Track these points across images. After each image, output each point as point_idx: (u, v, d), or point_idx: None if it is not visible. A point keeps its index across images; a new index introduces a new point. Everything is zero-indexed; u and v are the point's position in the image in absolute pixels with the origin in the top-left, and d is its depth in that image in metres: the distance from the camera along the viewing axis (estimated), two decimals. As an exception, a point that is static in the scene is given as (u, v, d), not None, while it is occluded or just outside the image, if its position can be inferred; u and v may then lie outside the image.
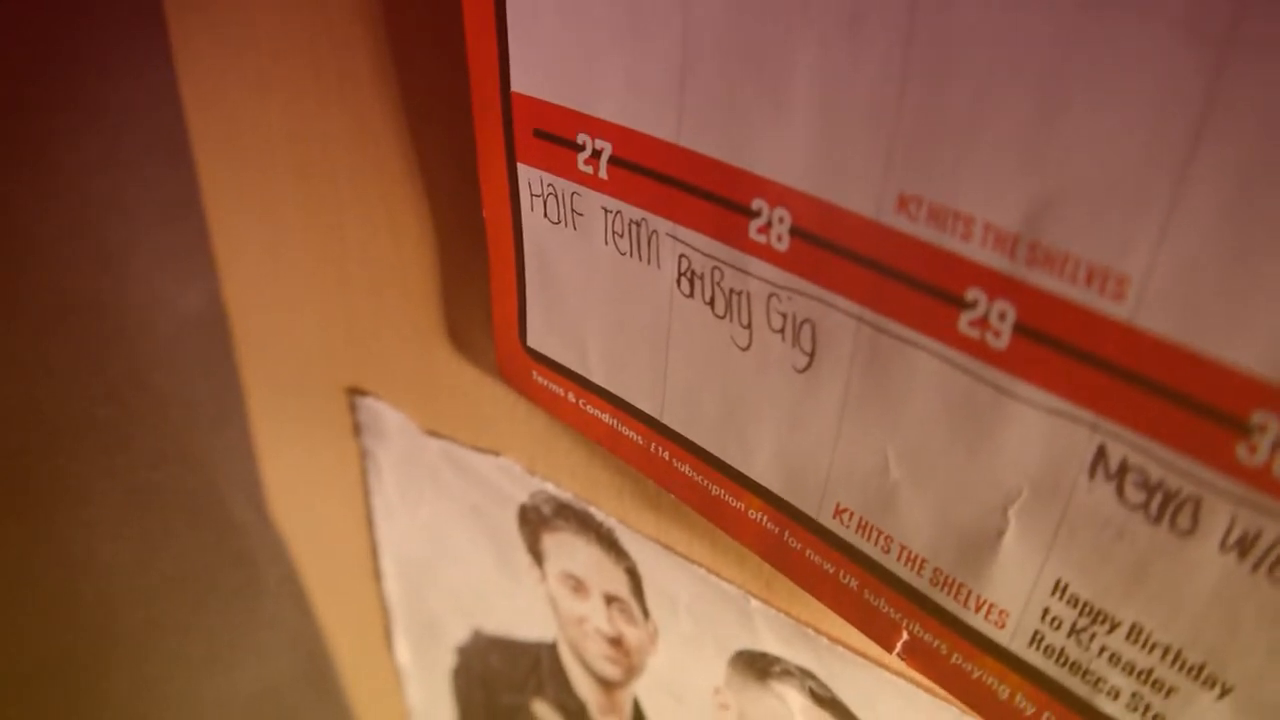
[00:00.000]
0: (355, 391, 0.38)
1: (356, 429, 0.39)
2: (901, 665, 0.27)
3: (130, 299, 0.38)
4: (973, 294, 0.19)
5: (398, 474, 0.39)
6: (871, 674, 0.28)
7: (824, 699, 0.30)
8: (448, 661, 0.45)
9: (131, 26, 0.34)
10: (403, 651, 0.47)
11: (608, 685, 0.37)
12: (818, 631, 0.28)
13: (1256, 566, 0.17)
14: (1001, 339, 0.19)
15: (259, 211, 0.36)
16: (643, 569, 0.32)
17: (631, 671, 0.36)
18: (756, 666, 0.31)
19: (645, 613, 0.33)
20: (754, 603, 0.29)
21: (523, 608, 0.38)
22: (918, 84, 0.18)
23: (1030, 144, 0.17)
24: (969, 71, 0.17)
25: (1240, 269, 0.15)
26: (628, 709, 0.37)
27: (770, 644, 0.30)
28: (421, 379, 0.35)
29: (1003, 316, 0.18)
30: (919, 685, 0.27)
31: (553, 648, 0.38)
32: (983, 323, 0.19)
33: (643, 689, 0.36)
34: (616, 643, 0.35)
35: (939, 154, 0.18)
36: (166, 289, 0.39)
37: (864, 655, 0.28)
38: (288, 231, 0.36)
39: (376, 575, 0.44)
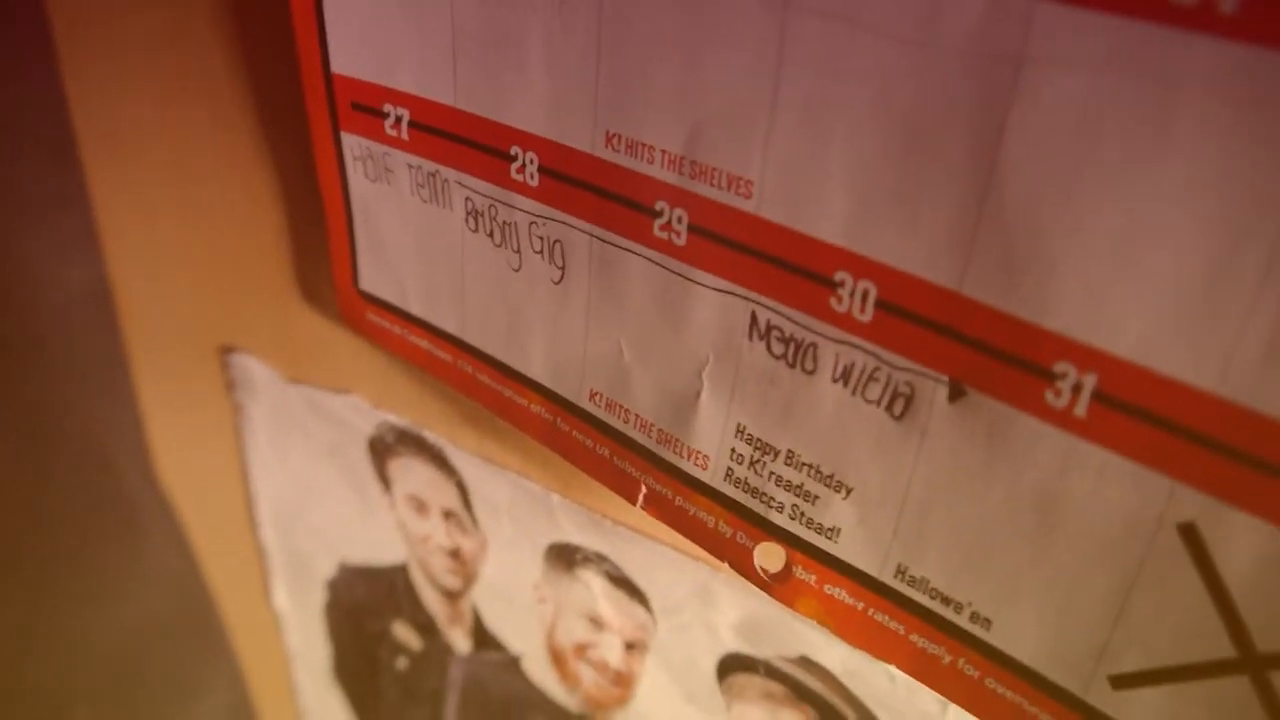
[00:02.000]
0: (226, 349, 0.43)
1: (230, 385, 0.44)
2: (668, 533, 0.33)
3: (22, 277, 0.43)
4: (660, 205, 0.25)
5: (268, 424, 0.44)
6: (646, 547, 0.34)
7: (617, 578, 0.36)
8: (320, 599, 0.50)
9: (17, 30, 0.39)
10: (280, 596, 0.52)
11: (451, 596, 0.43)
12: (604, 516, 0.34)
13: (855, 391, 0.23)
14: (681, 238, 0.25)
15: (138, 195, 0.41)
16: (469, 481, 0.38)
17: (469, 580, 0.41)
18: (564, 558, 0.37)
19: (475, 522, 0.39)
20: (555, 498, 0.35)
21: (378, 535, 0.43)
22: (608, 50, 0.24)
23: (681, 89, 0.23)
24: (639, 39, 0.23)
25: (818, 169, 0.22)
26: (469, 616, 0.43)
27: (572, 534, 0.36)
28: (284, 332, 0.41)
29: (680, 220, 0.25)
30: (680, 549, 0.33)
31: (404, 569, 0.44)
32: (668, 227, 0.25)
33: (479, 596, 0.41)
34: (455, 554, 0.41)
35: (627, 100, 0.24)
36: (56, 269, 0.44)
37: (639, 531, 0.34)
38: (162, 212, 0.41)
39: (253, 523, 0.49)
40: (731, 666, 0.35)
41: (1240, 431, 0.18)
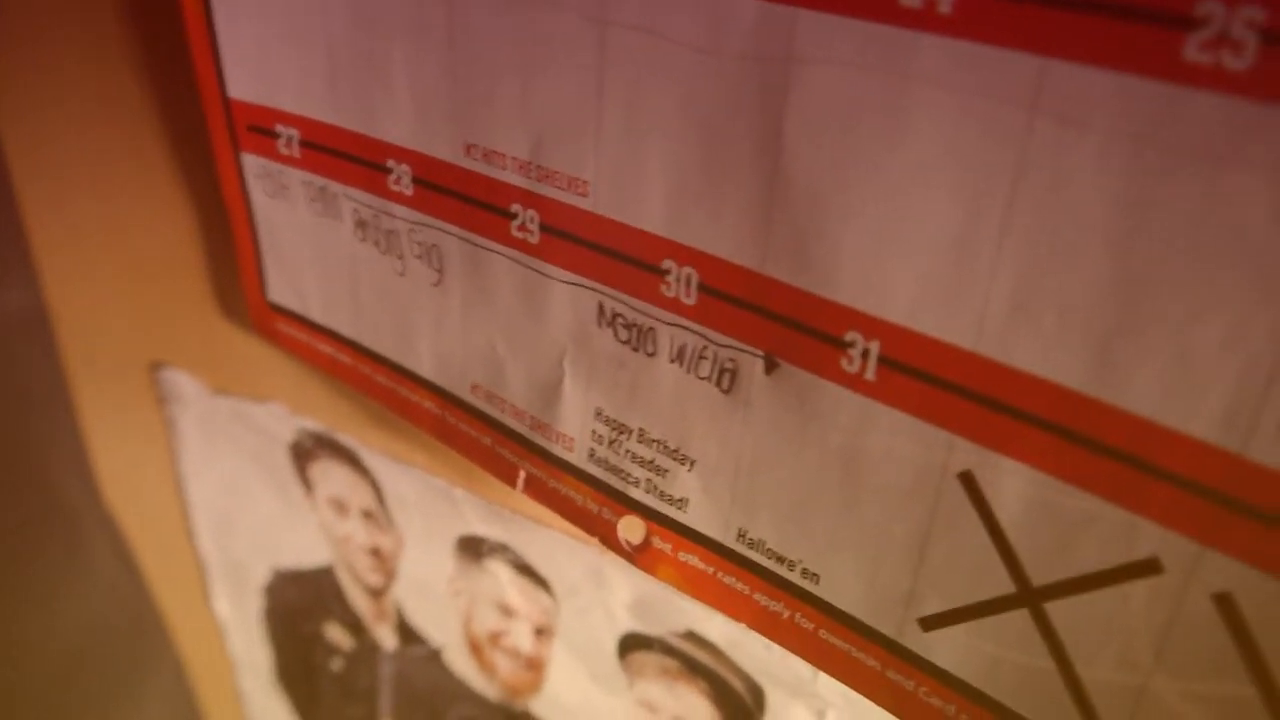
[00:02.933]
0: (157, 365, 0.45)
1: (161, 399, 0.46)
2: (561, 519, 0.34)
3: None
4: (514, 207, 0.27)
5: (198, 435, 0.46)
6: (542, 534, 0.36)
7: (520, 567, 0.38)
8: (257, 605, 0.51)
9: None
10: (221, 603, 0.53)
11: (375, 594, 0.44)
12: (502, 506, 0.36)
13: (689, 370, 0.25)
14: (535, 236, 0.27)
15: (68, 218, 0.43)
16: (381, 481, 0.40)
17: (390, 577, 0.43)
18: (472, 550, 0.39)
19: (391, 520, 0.41)
20: (458, 491, 0.37)
21: (305, 538, 0.45)
22: (460, 68, 0.26)
23: (524, 101, 0.25)
24: (484, 57, 0.25)
25: (640, 168, 0.24)
26: (393, 613, 0.44)
27: (476, 526, 0.38)
28: (208, 346, 0.42)
29: (533, 220, 0.27)
30: (571, 534, 0.35)
31: (331, 570, 0.46)
32: (523, 227, 0.27)
33: (401, 592, 0.43)
34: (376, 553, 0.43)
35: (480, 113, 0.26)
36: (-4, 295, 0.45)
37: (535, 519, 0.36)
38: (92, 233, 0.43)
39: (191, 533, 0.51)
40: (630, 645, 0.37)
41: (997, 384, 0.20)
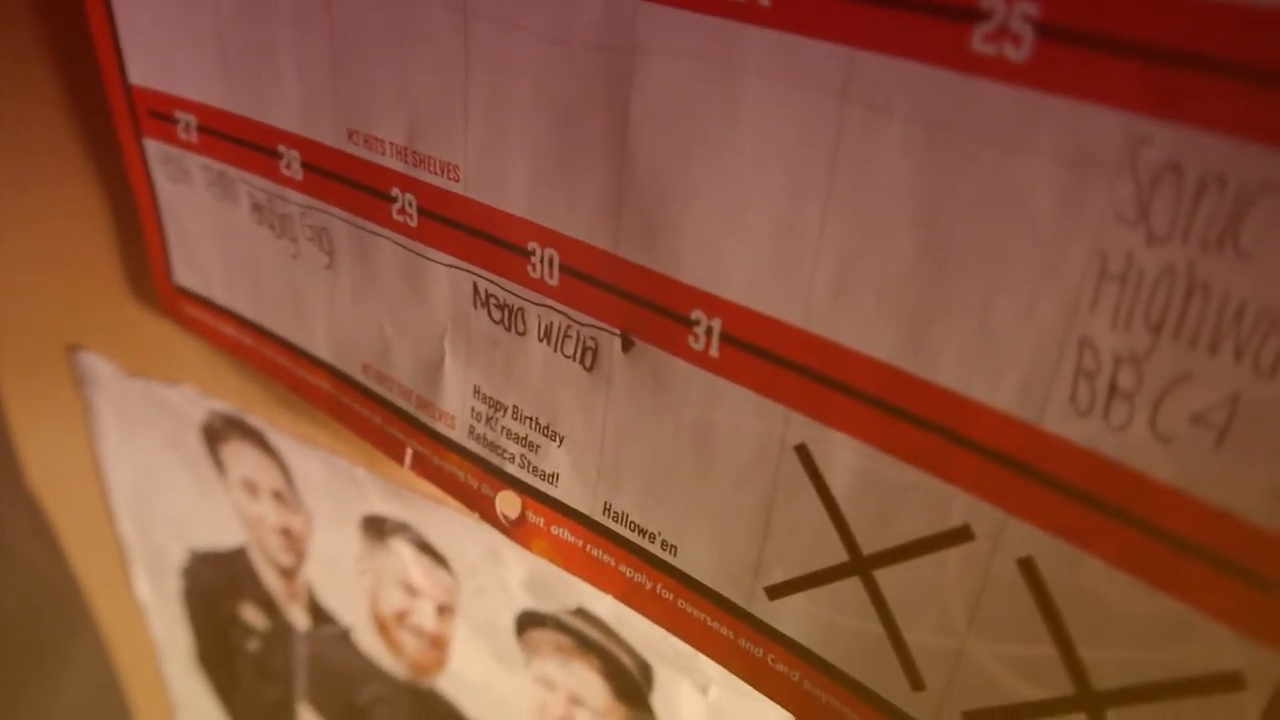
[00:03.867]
0: (74, 348, 0.45)
1: (78, 382, 0.46)
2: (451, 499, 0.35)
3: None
4: (394, 191, 0.27)
5: (115, 418, 0.46)
6: (440, 513, 0.36)
7: (422, 546, 0.38)
8: (176, 586, 0.51)
9: None
10: (142, 586, 0.53)
11: (287, 574, 0.45)
12: (402, 485, 0.37)
13: (556, 348, 0.26)
14: (414, 220, 0.27)
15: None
16: (289, 462, 0.40)
17: (301, 557, 0.43)
18: (376, 529, 0.39)
19: (299, 501, 0.41)
20: (360, 471, 0.38)
21: (219, 519, 0.45)
22: (340, 57, 0.27)
23: (399, 88, 0.26)
24: (361, 47, 0.26)
25: (504, 153, 0.24)
26: (305, 593, 0.45)
27: (379, 506, 0.38)
28: (123, 328, 0.42)
29: (411, 204, 0.27)
30: (465, 512, 0.35)
31: (244, 551, 0.46)
32: (403, 211, 0.27)
33: (312, 572, 0.43)
34: (286, 533, 0.43)
35: (360, 100, 0.27)
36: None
37: (433, 498, 0.36)
38: (8, 219, 0.43)
39: (110, 515, 0.51)
40: (526, 623, 0.37)
41: (825, 360, 0.21)
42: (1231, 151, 0.15)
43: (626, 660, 0.35)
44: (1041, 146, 0.17)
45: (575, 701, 0.38)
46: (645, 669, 0.35)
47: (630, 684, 0.36)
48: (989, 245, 0.18)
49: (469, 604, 0.38)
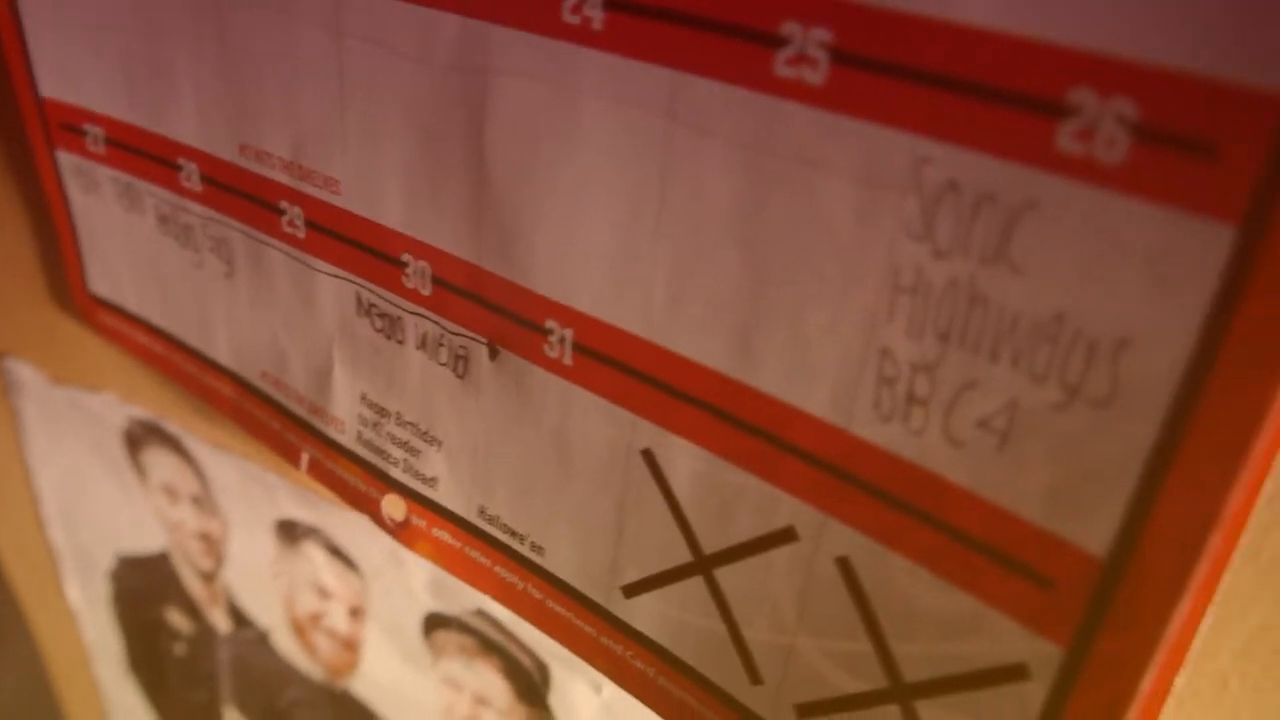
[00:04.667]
0: (0, 355, 0.45)
1: (6, 388, 0.46)
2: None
3: None
4: (283, 204, 0.28)
5: (41, 424, 0.46)
6: (346, 517, 0.36)
7: (332, 549, 0.38)
8: (105, 591, 0.51)
9: None
10: (73, 590, 0.53)
11: (207, 578, 0.45)
12: (309, 490, 0.37)
13: (431, 356, 0.26)
14: (301, 232, 0.28)
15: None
16: (205, 467, 0.40)
17: (219, 560, 0.43)
18: (288, 533, 0.39)
19: (216, 506, 0.41)
20: (272, 476, 0.38)
21: (142, 525, 0.45)
22: (231, 74, 0.27)
23: (284, 105, 0.26)
24: (250, 65, 0.26)
25: (379, 168, 0.25)
26: (224, 597, 0.45)
27: (290, 510, 0.38)
28: (48, 336, 0.43)
29: (299, 216, 0.28)
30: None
31: (167, 556, 0.46)
32: (291, 223, 0.28)
33: (231, 576, 0.44)
34: (205, 537, 0.43)
35: (250, 116, 0.27)
36: None
37: (338, 502, 0.36)
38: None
39: (40, 522, 0.51)
40: (432, 624, 0.38)
41: (665, 368, 0.21)
42: (998, 171, 0.16)
43: (525, 660, 0.36)
44: (840, 166, 0.17)
45: (480, 701, 0.38)
46: (543, 669, 0.35)
47: (530, 684, 0.36)
48: (800, 260, 0.18)
49: (378, 606, 0.39)
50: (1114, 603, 0.16)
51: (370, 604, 0.39)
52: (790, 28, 0.17)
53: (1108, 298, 0.15)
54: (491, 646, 0.36)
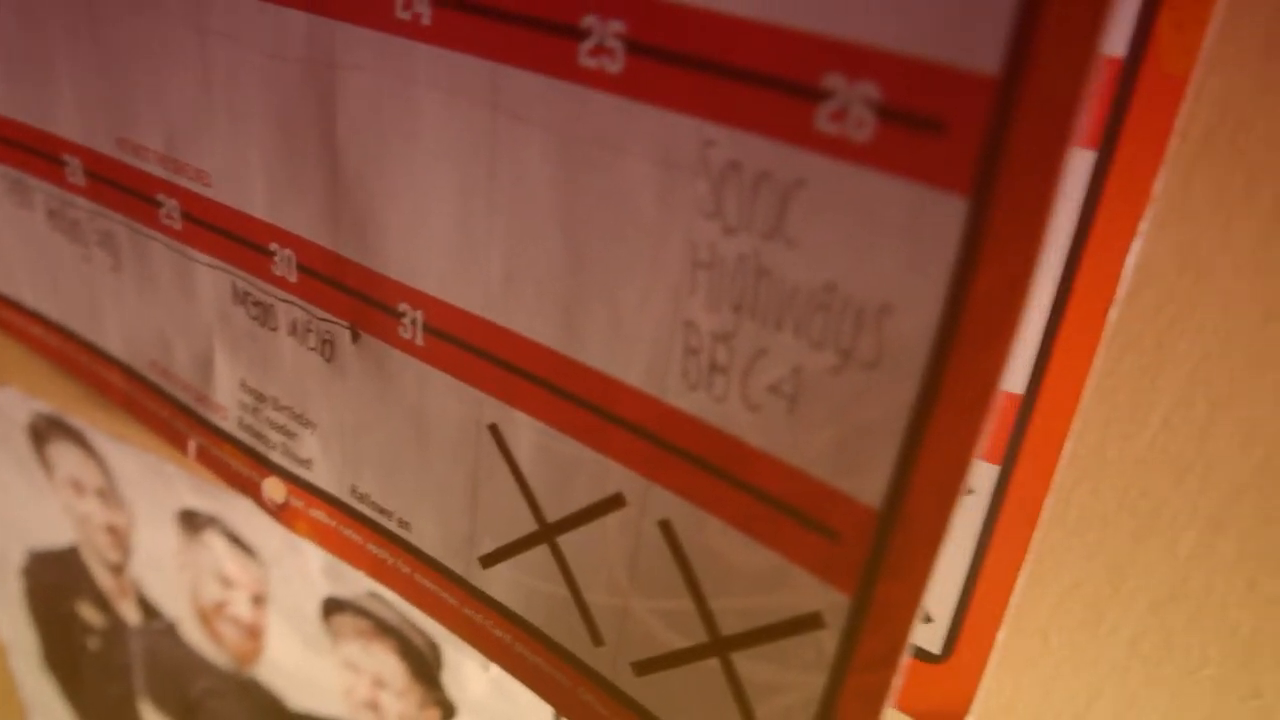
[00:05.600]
0: (-92, 354, 0.45)
1: (-85, 387, 0.46)
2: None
3: None
4: (160, 196, 0.28)
5: (-48, 421, 0.46)
6: (241, 505, 0.37)
7: (232, 538, 0.39)
8: (18, 587, 0.51)
9: None
10: (-11, 587, 0.53)
11: (116, 570, 0.45)
12: (205, 478, 0.37)
13: (301, 341, 0.27)
14: (178, 223, 0.28)
15: None
16: (108, 460, 0.41)
17: (127, 553, 0.44)
18: (190, 524, 0.40)
19: (120, 498, 0.42)
20: (170, 467, 0.38)
21: (51, 519, 0.45)
22: (107, 70, 0.28)
23: (156, 101, 0.27)
24: (124, 61, 0.27)
25: (246, 160, 0.25)
26: (133, 589, 0.45)
27: (190, 500, 0.39)
28: (-48, 337, 0.43)
29: (175, 208, 0.28)
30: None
31: (76, 549, 0.46)
32: (169, 215, 0.28)
33: (138, 568, 0.44)
34: (112, 530, 0.43)
35: (126, 111, 0.28)
36: None
37: (237, 491, 0.37)
38: None
39: (-45, 517, 0.51)
40: (330, 609, 0.38)
41: (505, 347, 0.22)
42: (771, 151, 0.17)
43: (418, 641, 0.36)
44: (640, 149, 0.18)
45: (379, 683, 0.39)
46: (434, 649, 0.36)
47: (424, 664, 0.37)
48: (611, 239, 0.19)
49: (278, 593, 0.39)
50: (888, 551, 0.17)
51: (271, 591, 0.39)
52: (590, 20, 0.18)
53: (870, 267, 0.16)
54: (386, 629, 0.37)
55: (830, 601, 0.19)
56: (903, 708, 0.26)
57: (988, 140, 0.14)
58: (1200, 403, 0.21)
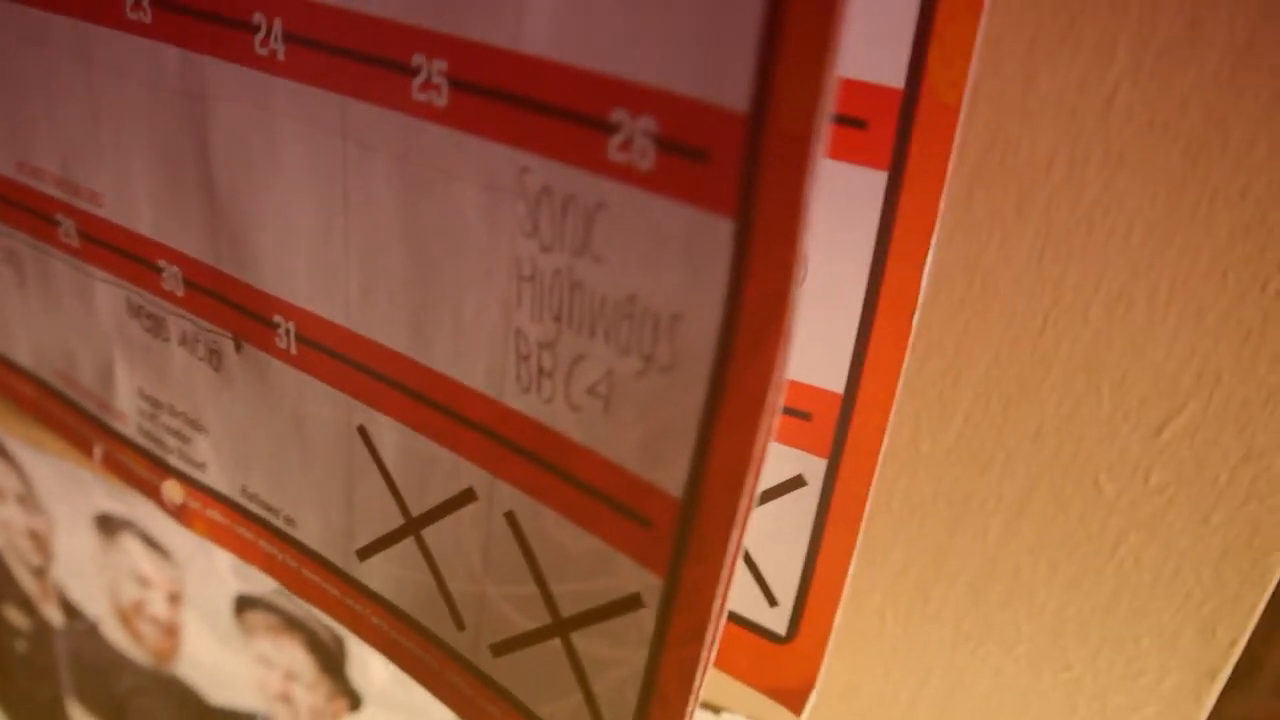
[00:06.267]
0: None
1: None
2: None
3: None
4: (58, 216, 0.29)
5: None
6: (150, 506, 0.38)
7: (147, 539, 0.40)
8: (-50, 591, 0.52)
9: None
10: (-79, 592, 0.53)
11: (39, 574, 0.46)
12: (117, 482, 0.38)
13: (191, 351, 0.28)
14: (75, 241, 0.29)
15: None
16: (25, 467, 0.41)
17: (49, 556, 0.45)
18: (106, 527, 0.41)
19: (39, 503, 0.43)
20: (84, 472, 0.39)
21: (-23, 524, 0.46)
22: (8, 95, 0.29)
23: (51, 127, 0.28)
24: (19, 86, 0.28)
25: (130, 183, 0.27)
26: (55, 591, 0.46)
27: (105, 504, 0.40)
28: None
29: (72, 227, 0.29)
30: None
31: (0, 554, 0.47)
32: (67, 233, 0.30)
33: (60, 571, 0.45)
34: (34, 535, 0.44)
35: (27, 135, 0.29)
36: None
37: (140, 494, 0.38)
38: None
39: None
40: (241, 606, 0.39)
41: (366, 354, 0.24)
42: (575, 177, 0.18)
43: (324, 634, 0.38)
44: (468, 175, 0.20)
45: (290, 677, 0.40)
46: (339, 642, 0.37)
47: (329, 656, 0.38)
48: (450, 256, 0.21)
49: (193, 591, 0.40)
50: (691, 537, 0.19)
51: (186, 590, 0.41)
52: (419, 59, 0.19)
53: (662, 280, 0.18)
54: (294, 623, 0.38)
55: (647, 584, 0.20)
56: (754, 685, 0.28)
57: (744, 168, 0.16)
58: (995, 400, 0.23)
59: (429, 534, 0.25)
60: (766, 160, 0.16)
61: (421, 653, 0.26)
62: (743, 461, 0.18)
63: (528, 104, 0.18)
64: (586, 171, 0.18)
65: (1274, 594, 0.23)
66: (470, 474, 0.23)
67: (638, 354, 0.19)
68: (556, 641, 0.23)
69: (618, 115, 0.17)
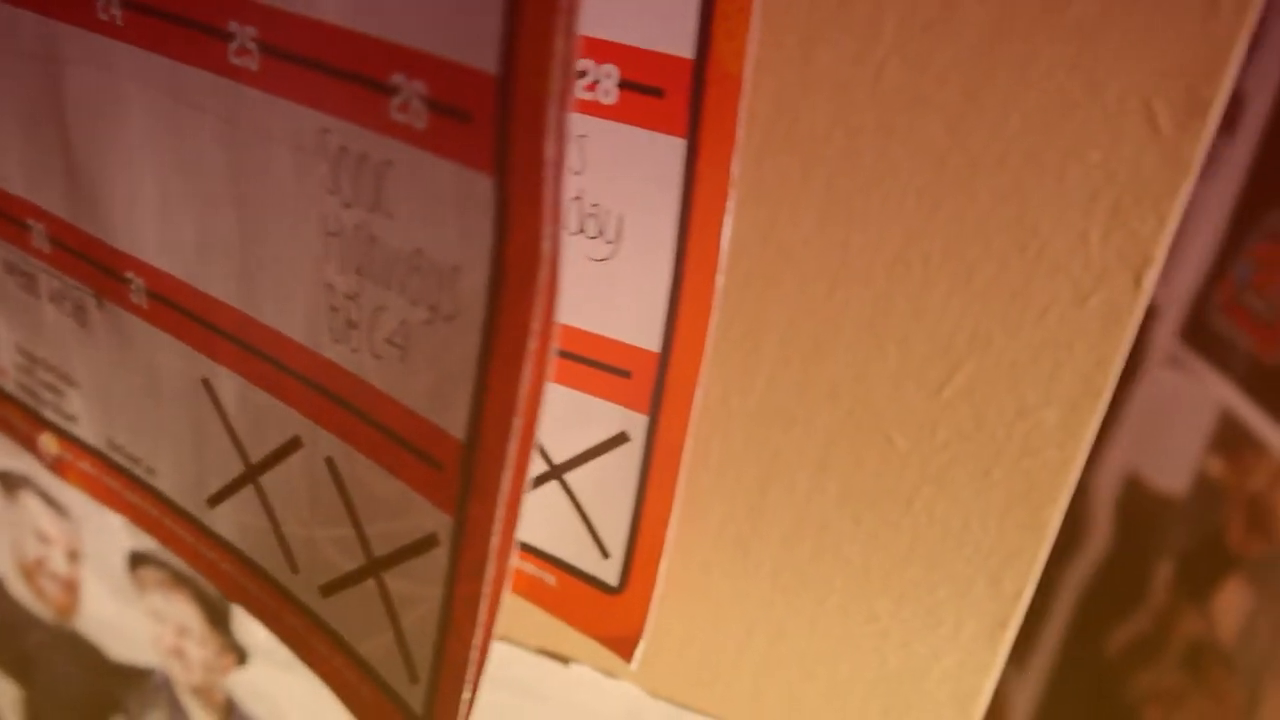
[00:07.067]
0: None
1: None
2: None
3: None
4: None
5: None
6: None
7: (44, 496, 0.40)
8: None
9: None
10: None
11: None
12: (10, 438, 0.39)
13: (59, 308, 0.29)
14: (-45, 200, 0.30)
15: None
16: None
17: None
18: (5, 484, 0.41)
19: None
20: (-16, 431, 0.40)
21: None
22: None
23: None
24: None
25: (3, 149, 0.27)
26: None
27: (3, 461, 0.40)
28: None
29: (-49, 187, 0.30)
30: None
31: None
32: None
33: (-32, 527, 0.45)
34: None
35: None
36: None
37: (22, 447, 0.39)
38: None
39: None
40: (134, 562, 0.40)
41: (207, 309, 0.25)
42: (366, 138, 0.19)
43: (209, 589, 0.38)
44: (280, 135, 0.21)
45: (181, 632, 0.41)
46: (224, 598, 0.38)
47: (216, 611, 0.39)
48: (270, 212, 0.22)
49: (90, 548, 0.41)
50: (473, 478, 0.20)
51: (84, 546, 0.41)
52: (233, 25, 0.20)
53: (442, 234, 0.19)
54: (181, 578, 0.39)
55: (440, 523, 0.21)
56: (590, 633, 0.29)
57: (498, 128, 0.17)
58: (794, 361, 0.24)
59: (266, 480, 0.26)
60: (515, 120, 0.17)
61: (264, 595, 0.27)
62: (512, 405, 0.19)
63: (324, 68, 0.19)
64: (374, 132, 0.19)
65: (1183, 569, 0.25)
66: (296, 423, 0.24)
67: (425, 304, 0.20)
68: (371, 582, 0.24)
69: (396, 79, 0.18)
